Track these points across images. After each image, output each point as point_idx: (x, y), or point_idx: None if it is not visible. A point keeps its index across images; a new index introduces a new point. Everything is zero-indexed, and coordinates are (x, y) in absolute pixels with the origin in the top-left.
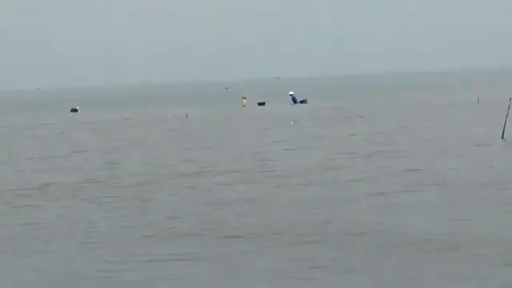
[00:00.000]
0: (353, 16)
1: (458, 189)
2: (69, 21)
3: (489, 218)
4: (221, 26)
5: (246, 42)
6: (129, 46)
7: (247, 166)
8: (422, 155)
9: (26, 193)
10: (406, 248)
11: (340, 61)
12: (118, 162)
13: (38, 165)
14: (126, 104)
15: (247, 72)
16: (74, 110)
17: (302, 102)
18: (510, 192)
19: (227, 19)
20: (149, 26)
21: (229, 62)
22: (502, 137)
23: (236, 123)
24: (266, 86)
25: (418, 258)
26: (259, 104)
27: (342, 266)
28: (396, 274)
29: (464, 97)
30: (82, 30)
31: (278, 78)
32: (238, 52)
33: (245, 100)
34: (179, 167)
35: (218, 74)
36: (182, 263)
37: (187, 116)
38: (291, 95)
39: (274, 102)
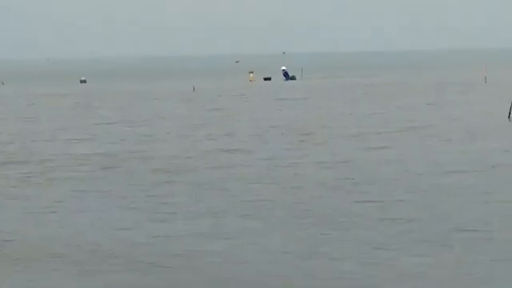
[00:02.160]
0: None
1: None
2: None
3: None
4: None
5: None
6: (141, 18)
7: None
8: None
9: (65, 163)
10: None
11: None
12: (146, 134)
13: (64, 135)
14: (132, 76)
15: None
16: (83, 82)
17: (291, 78)
18: None
19: None
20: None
21: (240, 36)
22: (509, 117)
23: (242, 97)
24: (272, 60)
25: None
26: (265, 79)
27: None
28: None
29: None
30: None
31: (284, 52)
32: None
33: (252, 74)
34: (209, 142)
35: (229, 47)
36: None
37: (194, 90)
38: (283, 70)
39: (280, 77)
